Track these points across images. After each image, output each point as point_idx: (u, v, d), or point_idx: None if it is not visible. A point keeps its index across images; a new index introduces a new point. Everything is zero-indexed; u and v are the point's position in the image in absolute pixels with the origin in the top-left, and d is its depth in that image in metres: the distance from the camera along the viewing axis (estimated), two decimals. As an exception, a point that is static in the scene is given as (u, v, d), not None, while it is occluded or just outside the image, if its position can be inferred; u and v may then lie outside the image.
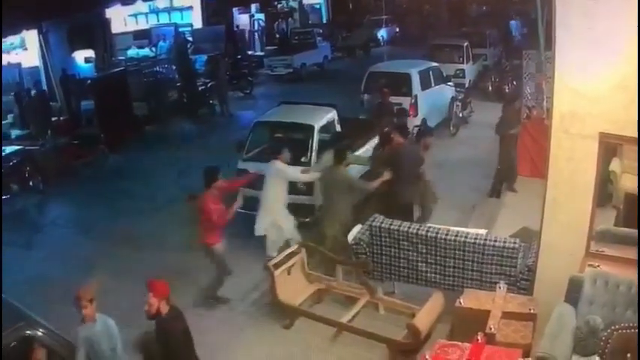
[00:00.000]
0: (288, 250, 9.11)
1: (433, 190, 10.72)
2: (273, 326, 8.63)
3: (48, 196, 14.78)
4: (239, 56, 28.43)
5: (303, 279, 9.22)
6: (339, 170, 9.69)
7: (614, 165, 8.23)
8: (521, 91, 14.42)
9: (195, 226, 10.63)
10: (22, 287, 9.54)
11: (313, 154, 11.40)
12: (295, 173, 10.30)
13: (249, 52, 31.16)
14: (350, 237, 9.03)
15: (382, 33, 34.61)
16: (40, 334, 6.35)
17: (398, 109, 14.96)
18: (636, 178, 7.21)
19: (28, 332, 6.26)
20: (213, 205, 8.92)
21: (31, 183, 14.60)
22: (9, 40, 20.72)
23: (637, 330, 5.60)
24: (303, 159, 11.37)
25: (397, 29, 37.46)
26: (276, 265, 8.71)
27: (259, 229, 10.08)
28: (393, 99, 15.30)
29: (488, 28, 27.45)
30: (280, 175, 10.06)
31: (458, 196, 11.20)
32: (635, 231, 6.84)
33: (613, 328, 5.79)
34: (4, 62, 20.56)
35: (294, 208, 11.25)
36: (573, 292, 6.50)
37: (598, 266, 6.74)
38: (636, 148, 6.48)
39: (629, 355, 5.49)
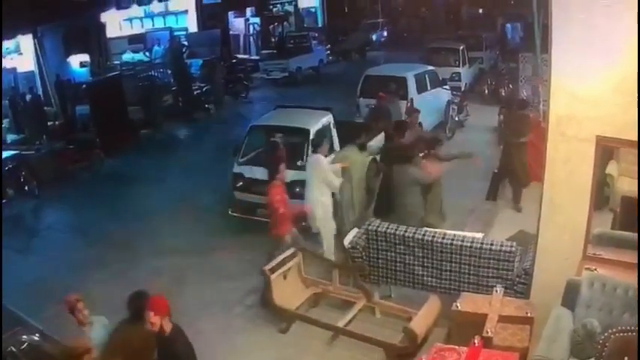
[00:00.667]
0: (284, 255, 9.09)
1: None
2: (270, 330, 8.60)
3: (44, 201, 14.73)
4: (234, 60, 28.40)
5: (299, 283, 9.21)
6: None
7: (611, 168, 8.24)
8: (518, 94, 14.45)
9: (190, 231, 10.68)
10: (18, 292, 9.51)
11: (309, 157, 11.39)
12: (330, 176, 10.08)
13: (245, 56, 31.12)
14: (346, 241, 9.03)
15: (378, 36, 34.63)
16: (36, 338, 6.36)
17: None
18: (633, 181, 7.22)
19: (24, 337, 6.27)
20: (279, 196, 9.14)
21: (26, 188, 14.56)
22: (4, 45, 20.61)
23: (636, 333, 5.59)
24: (299, 162, 11.37)
25: (393, 33, 37.49)
26: (273, 270, 8.69)
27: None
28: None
29: (485, 31, 27.51)
30: (320, 170, 9.95)
31: (454, 200, 11.17)
32: (632, 234, 6.84)
33: (610, 331, 5.78)
34: (-2, 67, 20.59)
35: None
36: (570, 296, 6.49)
37: (595, 269, 6.72)
38: (634, 150, 6.48)
39: (626, 358, 5.48)
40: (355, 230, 9.23)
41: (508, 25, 29.91)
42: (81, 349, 5.54)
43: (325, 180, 9.90)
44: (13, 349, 6.14)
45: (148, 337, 5.58)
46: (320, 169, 9.92)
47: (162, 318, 5.54)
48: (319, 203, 9.87)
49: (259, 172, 11.56)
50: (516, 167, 11.79)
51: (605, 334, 5.80)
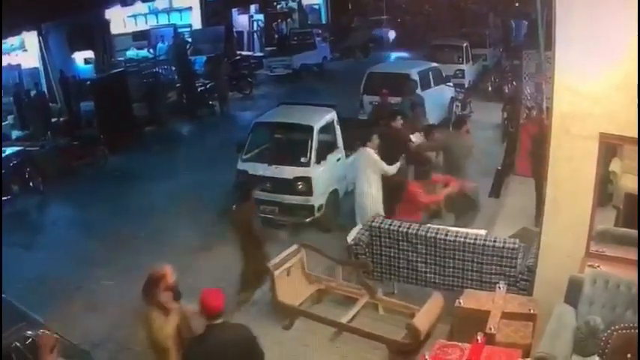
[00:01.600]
0: (288, 251, 9.09)
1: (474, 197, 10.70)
2: (274, 326, 8.57)
3: (48, 197, 14.76)
4: (238, 57, 28.38)
5: (302, 279, 9.20)
6: None
7: (615, 165, 8.22)
8: (521, 91, 14.41)
9: (194, 228, 10.67)
10: (22, 288, 9.55)
11: (313, 154, 11.39)
12: (382, 164, 10.14)
13: (249, 53, 31.09)
14: (349, 238, 9.03)
15: (381, 33, 34.54)
16: (40, 334, 6.36)
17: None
18: (636, 178, 7.20)
19: (29, 333, 6.29)
20: (418, 188, 9.72)
21: (31, 184, 14.58)
22: (9, 42, 20.66)
23: (637, 330, 5.59)
24: (302, 159, 11.38)
25: (397, 30, 37.40)
26: (276, 266, 8.69)
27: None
28: (392, 100, 15.34)
29: (488, 28, 27.45)
30: (370, 162, 10.04)
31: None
32: (635, 231, 6.83)
33: (613, 328, 5.78)
34: (4, 63, 20.56)
35: (292, 209, 11.29)
36: (573, 293, 6.49)
37: (598, 266, 6.73)
38: (636, 148, 6.46)
39: (629, 355, 5.47)
40: (358, 227, 9.24)
41: (512, 23, 29.85)
42: None
43: (380, 169, 9.99)
44: (18, 344, 6.14)
45: None
46: (370, 159, 9.99)
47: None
48: (369, 196, 9.91)
49: (263, 169, 11.57)
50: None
51: (608, 331, 5.80)
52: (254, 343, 5.56)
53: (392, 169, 10.15)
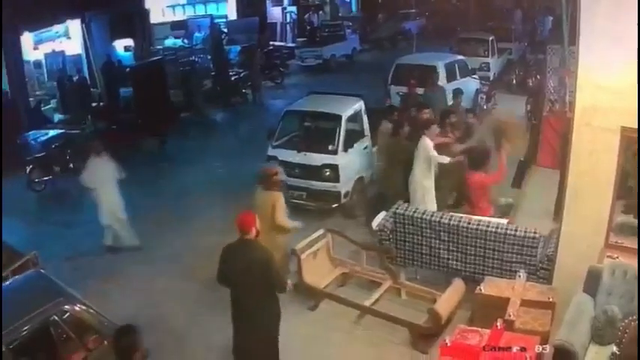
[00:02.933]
0: (314, 235, 9.07)
1: None
2: (299, 307, 8.60)
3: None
4: (271, 47, 28.35)
5: (328, 263, 9.19)
6: None
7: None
8: (545, 84, 14.16)
9: (226, 210, 10.63)
10: (61, 264, 9.66)
11: (340, 142, 11.33)
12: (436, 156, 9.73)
13: (281, 44, 31.05)
14: (374, 224, 8.97)
15: (410, 26, 34.23)
16: (77, 309, 6.43)
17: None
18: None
19: (66, 307, 6.35)
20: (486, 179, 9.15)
21: (71, 165, 14.68)
22: (54, 29, 20.92)
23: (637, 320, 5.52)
24: (330, 147, 11.33)
25: (425, 23, 37.05)
26: (303, 250, 8.69)
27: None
28: (418, 91, 15.19)
29: (514, 23, 27.05)
30: (425, 153, 9.66)
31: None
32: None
33: (631, 318, 5.69)
34: (49, 50, 20.85)
35: (320, 195, 11.25)
36: (592, 282, 6.42)
37: (617, 257, 6.64)
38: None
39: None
40: (383, 213, 9.18)
41: (537, 18, 29.37)
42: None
43: (434, 159, 9.64)
44: (56, 317, 6.21)
45: None
46: (426, 149, 9.61)
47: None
48: (419, 185, 9.70)
49: (292, 155, 11.54)
50: None
51: (626, 320, 5.71)
52: (271, 259, 6.52)
53: (444, 159, 9.70)
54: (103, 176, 10.51)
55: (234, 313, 6.63)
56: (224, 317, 6.79)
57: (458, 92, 13.48)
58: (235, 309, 6.61)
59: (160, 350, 7.25)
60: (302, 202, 11.38)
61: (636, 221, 7.48)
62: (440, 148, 9.79)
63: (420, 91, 14.68)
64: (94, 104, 19.57)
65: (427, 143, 9.59)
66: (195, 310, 8.77)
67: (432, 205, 9.65)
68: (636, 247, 6.70)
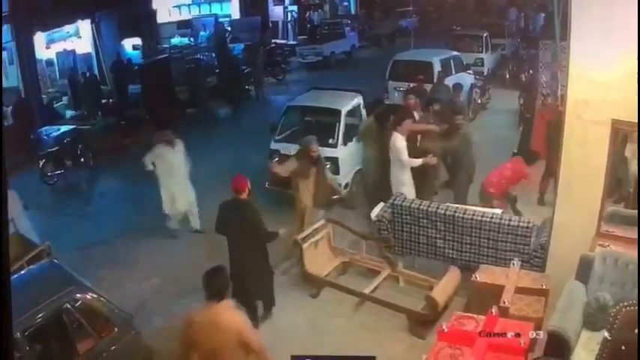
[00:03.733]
0: (316, 225, 9.03)
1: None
2: (302, 295, 8.61)
3: (98, 172, 14.90)
4: (273, 45, 28.26)
5: (329, 252, 9.16)
6: None
7: (627, 150, 8.01)
8: (537, 79, 14.11)
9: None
10: (73, 254, 9.63)
11: (340, 136, 11.28)
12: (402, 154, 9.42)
13: (283, 41, 30.96)
14: (373, 214, 8.93)
15: (407, 23, 34.08)
16: (88, 297, 6.41)
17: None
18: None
19: (78, 296, 6.35)
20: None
21: (82, 159, 14.72)
22: (65, 29, 20.85)
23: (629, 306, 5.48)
24: (330, 140, 11.27)
25: (421, 20, 36.90)
26: (305, 239, 8.66)
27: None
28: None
29: (507, 19, 26.94)
30: (396, 155, 9.43)
31: (476, 177, 10.97)
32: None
33: (621, 304, 5.62)
34: (60, 49, 20.79)
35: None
36: (584, 270, 6.40)
37: (608, 246, 6.61)
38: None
39: (636, 330, 5.32)
40: (381, 204, 9.13)
41: (529, 14, 29.25)
42: None
43: (405, 162, 9.37)
44: (69, 305, 6.20)
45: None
46: (397, 151, 9.36)
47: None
48: (396, 180, 9.54)
49: (294, 149, 11.48)
50: None
51: (617, 307, 5.65)
52: (258, 215, 7.51)
53: (413, 162, 9.44)
54: (173, 164, 10.55)
55: (231, 258, 7.55)
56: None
57: (457, 87, 13.43)
58: (231, 254, 7.58)
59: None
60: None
61: (626, 210, 7.48)
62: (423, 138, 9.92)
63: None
64: (103, 101, 19.53)
65: (399, 145, 9.35)
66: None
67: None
68: (627, 235, 6.69)
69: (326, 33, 29.48)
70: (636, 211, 7.12)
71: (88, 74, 19.79)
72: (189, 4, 30.61)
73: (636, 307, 5.49)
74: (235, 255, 7.58)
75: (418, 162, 9.44)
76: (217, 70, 22.29)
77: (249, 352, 5.13)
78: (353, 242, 9.41)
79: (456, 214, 8.03)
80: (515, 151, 12.11)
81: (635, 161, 7.80)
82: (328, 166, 10.99)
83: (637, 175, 6.94)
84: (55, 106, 18.37)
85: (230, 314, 5.15)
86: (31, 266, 7.31)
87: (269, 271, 7.94)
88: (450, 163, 10.95)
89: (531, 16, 28.91)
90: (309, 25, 34.21)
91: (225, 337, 5.05)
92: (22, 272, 7.05)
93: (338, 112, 11.58)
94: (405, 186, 9.44)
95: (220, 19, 29.55)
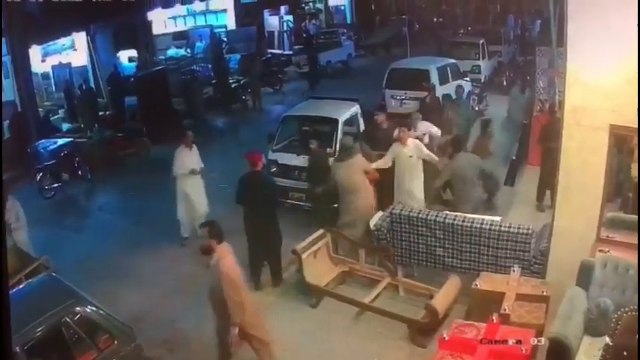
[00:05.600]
0: (314, 235, 9.04)
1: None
2: (301, 304, 8.63)
3: (95, 184, 14.87)
4: (269, 55, 28.30)
5: (328, 262, 9.16)
6: None
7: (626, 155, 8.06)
8: (535, 85, 14.17)
9: (228, 212, 10.60)
10: (71, 267, 9.61)
11: (338, 145, 11.31)
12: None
13: (279, 51, 31.00)
14: (371, 223, 8.94)
15: (402, 32, 34.17)
16: (88, 310, 6.41)
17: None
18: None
19: (77, 309, 6.35)
20: None
21: (80, 172, 14.71)
22: (60, 42, 20.87)
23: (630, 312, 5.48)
24: (328, 150, 11.30)
25: (417, 28, 37.00)
26: (304, 249, 8.67)
27: None
28: (411, 94, 15.21)
29: (504, 26, 27.05)
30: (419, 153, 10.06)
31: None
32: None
33: (622, 310, 5.66)
34: (56, 62, 20.80)
35: (319, 196, 11.20)
36: (584, 276, 6.40)
37: (608, 251, 6.62)
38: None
39: (637, 336, 5.34)
40: (380, 213, 9.15)
41: (526, 20, 29.39)
42: None
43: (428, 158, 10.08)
44: (68, 319, 6.20)
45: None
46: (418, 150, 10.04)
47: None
48: (407, 193, 9.90)
49: (292, 159, 11.52)
50: None
51: (618, 312, 5.68)
52: (274, 184, 9.48)
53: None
54: (190, 166, 10.68)
55: (246, 226, 8.94)
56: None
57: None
58: (246, 223, 8.93)
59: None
60: (302, 203, 11.34)
61: (626, 216, 7.50)
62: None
63: (413, 94, 14.65)
64: (100, 113, 19.49)
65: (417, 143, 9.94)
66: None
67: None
68: (627, 240, 6.71)
69: (322, 42, 29.54)
70: (636, 216, 7.16)
71: (84, 87, 19.76)
72: (184, 15, 30.63)
73: (637, 313, 5.51)
74: (250, 221, 8.85)
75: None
76: (214, 81, 22.32)
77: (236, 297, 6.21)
78: (352, 252, 9.37)
79: (455, 222, 8.05)
80: (514, 157, 12.16)
81: (634, 166, 7.85)
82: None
83: (637, 180, 6.96)
84: (51, 119, 18.34)
85: (227, 257, 6.39)
86: (30, 280, 7.31)
87: (278, 235, 9.10)
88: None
89: (528, 23, 29.01)
90: (305, 35, 34.28)
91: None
92: (21, 286, 7.05)
93: (335, 122, 11.63)
94: (413, 200, 9.74)
95: (216, 30, 29.59)
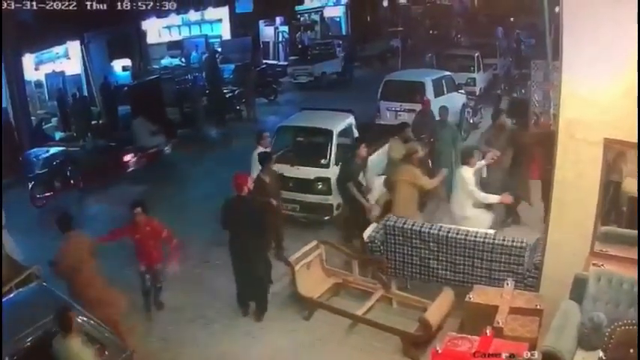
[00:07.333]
0: (308, 247, 9.04)
1: None
2: (294, 316, 8.62)
3: (87, 193, 14.83)
4: (264, 65, 28.39)
5: (321, 273, 9.16)
6: None
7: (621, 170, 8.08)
8: (530, 98, 14.24)
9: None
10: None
11: (332, 156, 11.34)
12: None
13: (274, 62, 31.09)
14: (365, 235, 8.96)
15: (397, 44, 34.35)
16: (79, 320, 6.38)
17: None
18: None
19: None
20: None
21: (72, 181, 14.68)
22: (54, 50, 20.90)
23: (638, 326, 5.47)
24: (322, 161, 11.34)
25: (412, 40, 37.18)
26: (297, 261, 8.67)
27: None
28: (407, 106, 15.27)
29: (498, 39, 27.21)
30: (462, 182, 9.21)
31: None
32: (637, 232, 6.70)
33: (616, 324, 5.66)
34: (49, 70, 20.81)
35: (312, 207, 11.23)
36: (578, 290, 6.40)
37: (602, 265, 6.62)
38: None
39: (631, 350, 5.36)
40: (374, 225, 9.16)
41: (521, 34, 29.56)
42: None
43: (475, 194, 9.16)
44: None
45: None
46: (463, 183, 9.18)
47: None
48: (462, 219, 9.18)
49: (285, 169, 11.52)
50: None
51: (612, 326, 5.69)
52: (261, 209, 8.70)
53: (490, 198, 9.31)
54: None
55: (231, 252, 8.52)
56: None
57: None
58: (232, 248, 8.50)
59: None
60: (295, 214, 11.37)
61: (620, 230, 7.52)
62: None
63: (408, 106, 14.68)
64: (93, 122, 19.50)
65: (463, 174, 9.22)
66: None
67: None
68: (621, 254, 6.73)
69: (317, 53, 29.63)
70: (629, 230, 7.18)
71: (77, 95, 19.79)
72: (179, 25, 30.70)
73: (631, 327, 5.53)
74: (235, 247, 8.45)
75: (495, 199, 9.27)
76: (208, 91, 22.36)
77: None
78: (346, 263, 9.43)
79: (449, 235, 8.06)
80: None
81: (628, 180, 7.87)
82: (320, 186, 11.06)
83: (637, 194, 6.97)
84: (44, 127, 18.32)
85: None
86: (20, 289, 7.26)
87: (267, 262, 8.93)
88: None
89: (523, 36, 29.18)
90: (300, 46, 34.39)
91: None
92: (11, 295, 7.01)
93: (330, 133, 11.66)
94: (468, 220, 9.03)
95: (211, 40, 29.67)
